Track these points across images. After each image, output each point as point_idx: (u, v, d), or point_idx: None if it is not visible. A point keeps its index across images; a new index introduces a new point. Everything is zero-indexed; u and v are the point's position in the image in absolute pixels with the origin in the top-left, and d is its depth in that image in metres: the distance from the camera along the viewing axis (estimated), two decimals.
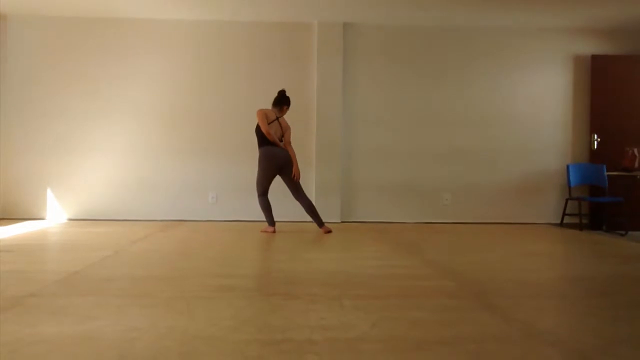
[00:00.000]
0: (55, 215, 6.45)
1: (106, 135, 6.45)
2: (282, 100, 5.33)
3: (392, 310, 2.50)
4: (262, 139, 5.20)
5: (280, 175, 5.30)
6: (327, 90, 6.50)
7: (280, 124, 5.28)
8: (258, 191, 5.31)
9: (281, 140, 5.30)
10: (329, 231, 5.37)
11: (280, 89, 5.43)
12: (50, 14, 6.34)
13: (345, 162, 6.59)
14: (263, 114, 5.19)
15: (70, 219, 6.42)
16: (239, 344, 1.98)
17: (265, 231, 5.38)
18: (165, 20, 6.46)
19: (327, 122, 6.48)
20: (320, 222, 5.38)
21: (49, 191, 6.44)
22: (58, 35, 6.43)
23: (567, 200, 6.52)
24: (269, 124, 5.17)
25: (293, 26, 6.57)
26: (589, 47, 6.76)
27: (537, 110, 6.77)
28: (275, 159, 5.19)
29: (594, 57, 6.63)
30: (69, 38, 6.44)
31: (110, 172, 6.46)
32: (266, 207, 5.32)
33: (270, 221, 5.37)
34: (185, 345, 1.96)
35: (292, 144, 5.55)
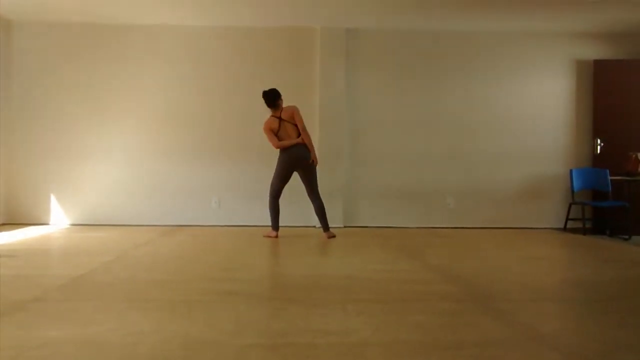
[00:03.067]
0: (58, 220, 6.46)
1: (109, 140, 6.46)
2: (272, 99, 5.17)
3: (395, 314, 2.50)
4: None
5: (297, 172, 5.27)
6: (330, 95, 6.50)
7: (287, 121, 5.17)
8: (270, 192, 5.28)
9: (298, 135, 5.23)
10: (333, 236, 5.36)
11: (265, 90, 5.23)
12: (55, 21, 6.36)
13: (348, 167, 6.59)
14: (268, 129, 5.17)
15: (73, 224, 6.43)
16: (240, 348, 1.98)
17: (269, 236, 5.37)
18: (167, 26, 6.48)
19: (330, 127, 6.48)
20: (326, 226, 5.36)
21: (52, 196, 6.45)
22: (62, 41, 6.45)
23: (570, 204, 6.50)
24: (277, 133, 5.15)
25: (296, 31, 6.58)
26: (592, 52, 6.75)
27: (540, 115, 6.76)
28: (291, 159, 5.16)
29: (597, 62, 6.63)
30: (73, 44, 6.46)
31: (113, 177, 6.47)
32: (274, 210, 5.30)
33: (275, 225, 5.35)
34: (188, 349, 1.96)
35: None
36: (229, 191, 6.52)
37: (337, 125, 6.49)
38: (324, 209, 5.30)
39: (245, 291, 2.99)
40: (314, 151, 5.25)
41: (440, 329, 2.26)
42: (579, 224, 6.45)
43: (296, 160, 5.17)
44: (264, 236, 5.38)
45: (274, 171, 5.27)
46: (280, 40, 6.56)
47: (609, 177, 6.37)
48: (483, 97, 6.72)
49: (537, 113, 6.74)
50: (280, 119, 5.15)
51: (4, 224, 6.27)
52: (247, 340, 2.08)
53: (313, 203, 5.30)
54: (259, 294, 2.98)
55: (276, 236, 5.33)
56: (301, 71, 6.53)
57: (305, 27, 6.54)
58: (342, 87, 6.52)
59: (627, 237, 6.16)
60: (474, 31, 6.66)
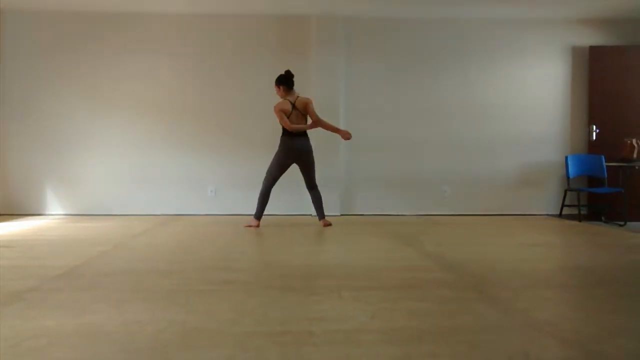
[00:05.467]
0: (54, 211, 6.45)
1: (105, 130, 6.44)
2: (291, 80, 5.20)
3: (392, 301, 2.51)
4: (283, 129, 5.15)
5: (297, 164, 5.25)
6: (326, 83, 6.47)
7: (298, 109, 5.14)
8: (267, 179, 5.21)
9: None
10: (329, 224, 5.36)
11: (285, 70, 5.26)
12: (48, 9, 6.30)
13: (345, 156, 6.58)
14: (280, 111, 5.08)
15: (69, 215, 6.42)
16: (238, 336, 1.99)
17: (250, 225, 5.26)
18: (162, 15, 6.43)
19: (325, 115, 6.38)
20: (321, 215, 5.37)
21: (47, 187, 6.44)
22: (56, 30, 6.40)
23: (566, 191, 6.52)
24: (288, 117, 5.10)
25: (291, 19, 6.54)
26: (587, 38, 6.73)
27: (536, 101, 6.76)
28: (293, 151, 5.14)
29: (592, 48, 6.62)
30: (67, 33, 6.41)
31: (110, 167, 6.45)
32: (264, 200, 5.23)
33: (259, 214, 5.26)
34: (185, 338, 1.97)
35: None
36: (225, 180, 6.52)
37: (333, 112, 6.46)
38: (321, 199, 5.31)
39: (242, 280, 3.00)
40: (340, 130, 5.38)
41: (437, 316, 2.27)
42: (574, 211, 6.47)
43: (299, 152, 5.16)
44: (245, 226, 5.27)
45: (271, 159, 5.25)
46: (276, 29, 6.53)
47: (605, 164, 6.39)
48: (479, 84, 6.71)
49: (532, 100, 6.74)
50: (293, 105, 5.13)
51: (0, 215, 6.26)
52: (245, 328, 2.09)
53: (311, 194, 5.30)
54: (257, 282, 2.99)
55: (257, 226, 5.25)
56: (297, 59, 6.48)
57: (301, 15, 6.50)
58: (337, 75, 6.50)
59: (622, 223, 6.19)
60: (471, 19, 6.63)
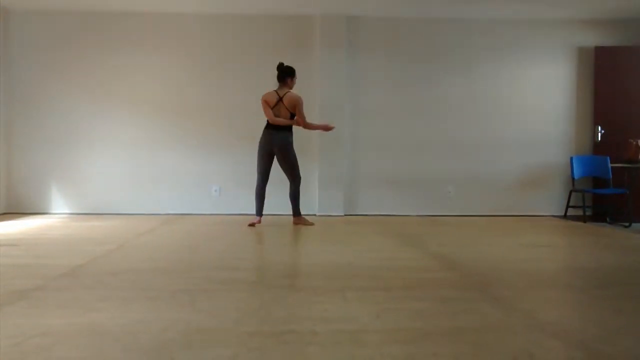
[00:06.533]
0: (59, 210, 6.47)
1: (110, 129, 6.46)
2: (283, 74, 5.27)
3: (395, 301, 2.51)
4: (267, 122, 5.25)
5: (276, 159, 5.28)
6: (330, 83, 6.48)
7: (284, 103, 5.18)
8: (257, 175, 5.30)
9: (292, 117, 5.25)
10: (300, 223, 5.37)
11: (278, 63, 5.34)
12: (52, 8, 6.33)
13: (349, 155, 6.59)
14: (264, 102, 5.21)
15: (74, 213, 6.44)
16: (242, 335, 1.99)
17: (252, 223, 5.30)
18: (165, 14, 6.45)
19: (330, 115, 6.45)
20: (296, 212, 5.37)
21: (52, 186, 6.46)
22: (60, 29, 6.42)
23: (570, 192, 6.50)
24: (272, 107, 5.18)
25: (295, 19, 6.54)
26: (593, 39, 6.72)
27: (541, 102, 6.74)
28: (269, 143, 5.19)
29: (598, 49, 6.60)
30: (71, 32, 6.43)
31: (114, 166, 6.47)
32: (259, 196, 5.28)
33: (259, 211, 5.31)
34: (189, 337, 1.97)
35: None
36: (229, 180, 6.53)
37: (337, 113, 6.48)
38: (295, 195, 5.32)
39: (245, 279, 3.00)
40: (319, 126, 5.42)
41: (440, 316, 2.27)
42: (579, 212, 6.45)
43: (272, 146, 5.20)
44: (249, 225, 5.31)
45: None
46: (280, 28, 6.53)
47: (610, 165, 6.37)
48: (484, 84, 6.70)
49: (537, 100, 6.73)
50: (280, 98, 5.16)
51: (4, 214, 6.28)
52: (249, 327, 2.09)
53: (290, 188, 5.34)
54: (260, 282, 2.99)
55: (259, 222, 5.30)
56: (301, 59, 6.49)
57: (305, 14, 6.50)
58: (342, 75, 6.50)
59: (627, 224, 6.18)
60: (475, 18, 6.62)
